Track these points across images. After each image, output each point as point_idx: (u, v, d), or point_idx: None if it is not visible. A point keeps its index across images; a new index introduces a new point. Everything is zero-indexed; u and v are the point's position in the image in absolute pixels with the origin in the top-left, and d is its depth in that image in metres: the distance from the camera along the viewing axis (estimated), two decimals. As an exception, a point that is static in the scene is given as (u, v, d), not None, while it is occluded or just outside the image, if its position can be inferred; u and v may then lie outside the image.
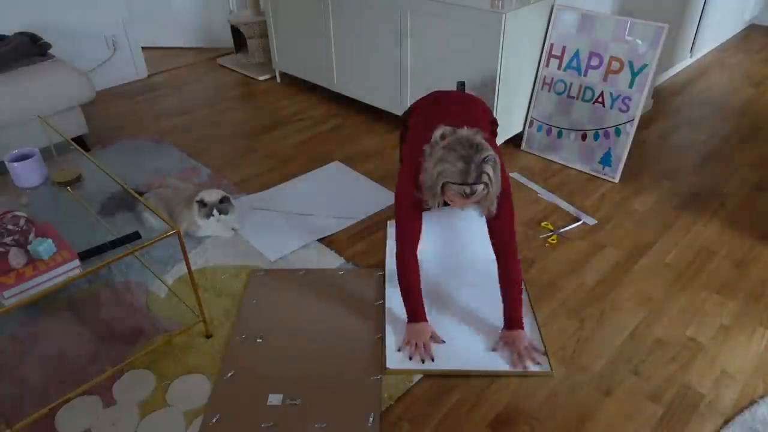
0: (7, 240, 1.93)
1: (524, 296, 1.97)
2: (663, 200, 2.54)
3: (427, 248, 2.03)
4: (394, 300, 1.96)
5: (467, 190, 1.57)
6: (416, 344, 1.78)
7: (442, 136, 1.64)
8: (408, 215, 1.79)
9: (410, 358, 1.76)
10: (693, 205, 2.50)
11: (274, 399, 1.66)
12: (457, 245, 2.22)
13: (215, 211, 2.24)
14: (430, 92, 2.14)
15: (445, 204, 1.70)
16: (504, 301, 1.81)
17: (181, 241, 1.65)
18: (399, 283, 1.83)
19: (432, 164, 1.60)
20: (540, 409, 1.63)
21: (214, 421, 1.59)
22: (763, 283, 2.07)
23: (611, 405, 1.64)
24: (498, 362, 1.76)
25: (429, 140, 1.66)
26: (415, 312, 1.82)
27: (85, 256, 2.16)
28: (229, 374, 1.74)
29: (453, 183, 1.58)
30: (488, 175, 1.57)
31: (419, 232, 1.81)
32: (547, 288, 2.06)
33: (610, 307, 1.97)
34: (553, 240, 2.29)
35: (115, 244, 2.27)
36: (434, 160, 1.60)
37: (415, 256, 1.82)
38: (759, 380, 1.70)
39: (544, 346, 1.80)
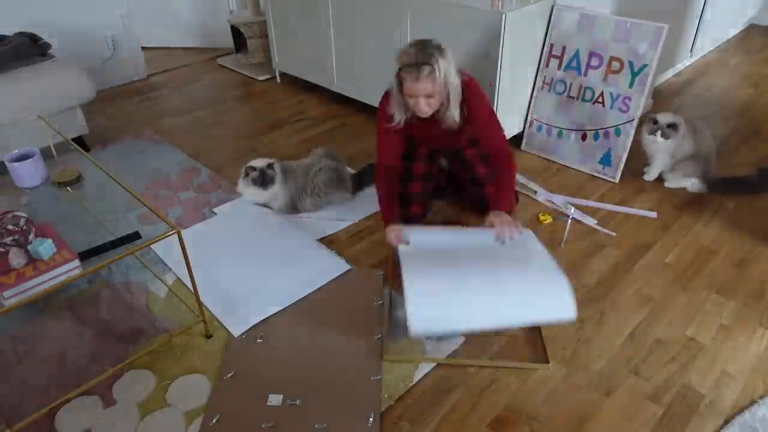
0: (7, 240, 1.93)
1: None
2: (663, 200, 2.54)
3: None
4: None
5: (415, 72, 1.78)
6: (394, 238, 1.94)
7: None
8: (386, 131, 2.03)
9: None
10: (693, 205, 2.50)
11: (274, 399, 1.66)
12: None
13: (256, 180, 2.42)
14: None
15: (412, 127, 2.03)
16: (496, 185, 2.08)
17: (181, 240, 1.65)
18: (377, 190, 2.10)
19: (394, 63, 1.84)
20: (540, 409, 1.63)
21: (214, 421, 1.59)
22: (763, 283, 2.07)
23: (611, 405, 1.64)
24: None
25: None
26: (387, 214, 2.05)
27: (85, 256, 2.17)
28: (229, 374, 1.74)
29: (404, 66, 1.80)
30: (435, 57, 1.77)
31: (397, 147, 2.08)
32: (547, 288, 2.06)
33: (610, 307, 1.97)
34: (545, 219, 2.39)
35: (115, 244, 2.27)
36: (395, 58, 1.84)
37: (392, 166, 2.09)
38: (759, 380, 1.70)
39: (544, 345, 1.80)
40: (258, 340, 1.85)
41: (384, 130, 2.05)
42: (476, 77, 2.60)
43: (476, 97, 2.00)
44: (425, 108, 1.91)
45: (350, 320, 1.93)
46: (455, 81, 1.88)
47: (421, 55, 1.79)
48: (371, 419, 1.58)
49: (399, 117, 1.98)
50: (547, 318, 1.68)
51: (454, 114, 1.94)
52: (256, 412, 1.62)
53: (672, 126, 2.46)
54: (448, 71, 1.84)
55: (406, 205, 2.34)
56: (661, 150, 2.53)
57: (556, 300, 1.65)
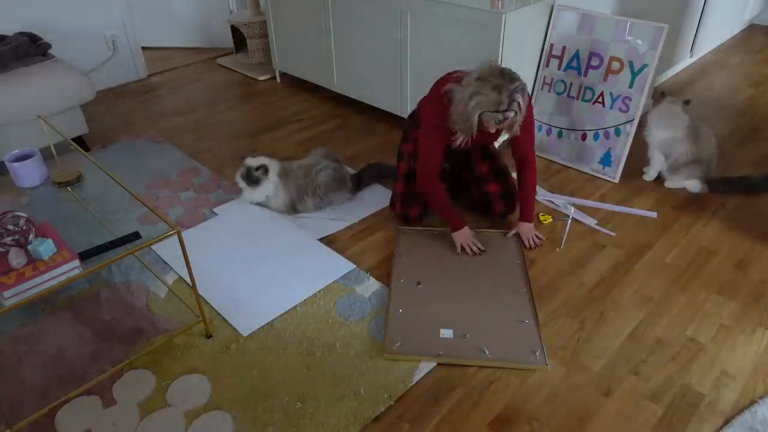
0: (7, 240, 1.92)
1: (526, 296, 2.01)
2: (663, 200, 2.54)
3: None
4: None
5: (500, 117, 1.82)
6: (467, 245, 2.19)
7: (469, 74, 1.89)
8: (434, 143, 2.08)
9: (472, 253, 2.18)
10: (693, 205, 2.50)
11: (446, 333, 1.85)
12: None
13: (243, 177, 2.47)
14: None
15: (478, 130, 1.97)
16: (521, 200, 2.23)
17: (181, 240, 1.65)
18: (433, 202, 2.20)
19: (467, 96, 1.84)
20: (540, 409, 1.63)
21: (397, 344, 1.79)
22: (763, 283, 2.07)
23: (611, 405, 1.64)
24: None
25: (454, 79, 1.95)
26: (455, 220, 2.19)
27: (85, 256, 2.17)
28: (400, 311, 1.94)
29: (488, 111, 1.82)
30: (518, 103, 1.81)
31: (441, 158, 2.11)
32: (547, 288, 2.06)
33: (610, 307, 1.97)
34: (545, 219, 2.40)
35: (114, 244, 2.27)
36: (468, 93, 1.84)
37: (439, 179, 2.14)
38: (759, 380, 1.70)
39: (544, 346, 1.81)
40: (418, 285, 2.05)
41: (435, 140, 2.07)
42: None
43: (528, 113, 2.01)
44: (494, 130, 1.97)
45: (494, 273, 2.12)
46: (525, 107, 1.89)
47: (507, 102, 1.81)
48: (538, 352, 1.78)
49: (463, 138, 1.98)
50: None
51: (516, 130, 1.98)
52: (431, 340, 1.83)
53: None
54: (526, 108, 1.88)
55: (409, 206, 2.34)
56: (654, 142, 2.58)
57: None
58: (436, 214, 2.24)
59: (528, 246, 2.23)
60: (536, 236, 2.25)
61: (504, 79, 1.81)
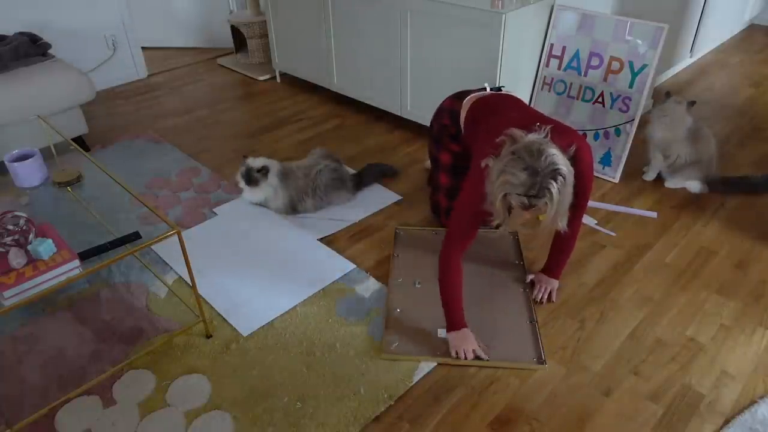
0: (7, 240, 1.92)
1: (525, 296, 2.01)
2: (663, 200, 2.54)
3: None
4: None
5: (526, 201, 1.51)
6: (464, 351, 1.77)
7: (513, 141, 1.57)
8: (465, 221, 1.76)
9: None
10: (693, 205, 2.50)
11: (443, 333, 1.83)
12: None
13: (243, 176, 2.46)
14: (474, 96, 2.07)
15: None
16: (552, 257, 2.01)
17: (181, 240, 1.65)
18: (440, 287, 1.80)
19: (496, 174, 1.54)
20: (540, 409, 1.63)
21: (395, 345, 1.80)
22: (763, 283, 2.07)
23: (611, 405, 1.64)
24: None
25: (497, 146, 1.61)
26: (455, 320, 1.79)
27: (85, 256, 2.17)
28: (397, 310, 1.95)
29: (514, 193, 1.51)
30: (551, 192, 1.49)
31: (470, 241, 1.79)
32: (547, 288, 2.06)
33: (610, 307, 1.97)
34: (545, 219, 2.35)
35: (114, 244, 2.27)
36: (498, 169, 1.54)
37: (460, 262, 1.79)
38: (759, 380, 1.70)
39: (543, 346, 1.81)
40: (417, 285, 2.06)
41: (465, 222, 1.77)
42: (477, 78, 2.60)
43: (585, 177, 1.69)
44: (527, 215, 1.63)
45: (494, 272, 2.13)
46: (568, 197, 1.56)
47: (538, 188, 1.49)
48: (534, 358, 1.78)
49: (501, 220, 1.62)
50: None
51: (560, 224, 1.61)
52: (428, 341, 1.83)
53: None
54: (562, 196, 1.52)
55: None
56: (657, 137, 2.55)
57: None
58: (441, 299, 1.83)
59: (535, 296, 2.00)
60: (552, 291, 2.00)
61: (539, 158, 1.49)
